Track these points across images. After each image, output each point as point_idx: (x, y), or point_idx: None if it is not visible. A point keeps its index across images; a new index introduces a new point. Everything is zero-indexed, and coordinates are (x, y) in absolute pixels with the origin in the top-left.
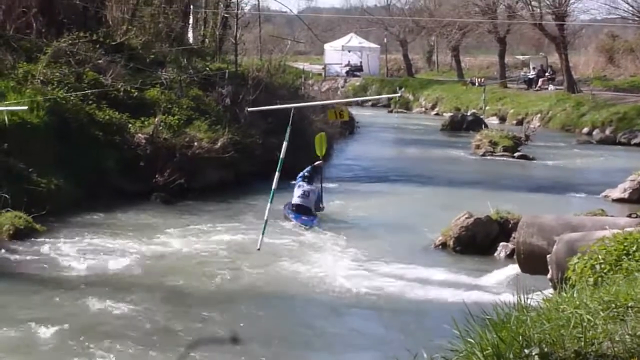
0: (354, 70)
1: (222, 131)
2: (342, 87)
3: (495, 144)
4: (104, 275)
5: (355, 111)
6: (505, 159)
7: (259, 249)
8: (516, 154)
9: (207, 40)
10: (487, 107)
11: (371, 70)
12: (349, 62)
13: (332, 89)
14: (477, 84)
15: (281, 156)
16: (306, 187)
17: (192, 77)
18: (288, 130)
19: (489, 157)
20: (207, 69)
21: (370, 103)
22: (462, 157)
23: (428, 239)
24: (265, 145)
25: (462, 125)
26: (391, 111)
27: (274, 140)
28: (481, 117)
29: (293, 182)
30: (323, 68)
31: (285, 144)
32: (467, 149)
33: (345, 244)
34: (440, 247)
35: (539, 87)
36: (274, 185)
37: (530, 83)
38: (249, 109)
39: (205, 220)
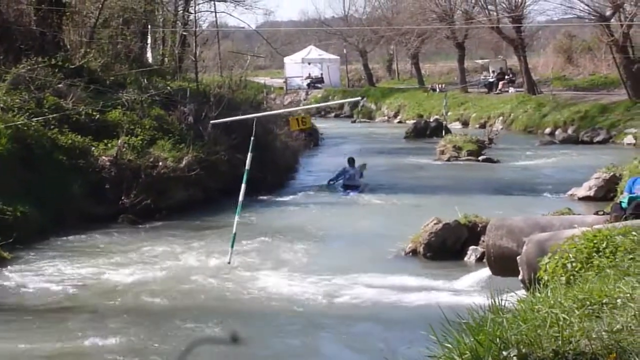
0: (315, 82)
1: (187, 149)
2: (304, 99)
3: (460, 149)
4: (74, 301)
5: (318, 123)
6: (470, 163)
7: (229, 263)
8: (481, 158)
9: (166, 59)
10: (449, 113)
11: (332, 81)
12: (309, 74)
13: (295, 102)
14: (438, 90)
15: (246, 167)
16: (351, 171)
17: (154, 96)
18: (252, 141)
19: (454, 162)
20: (168, 87)
21: (333, 114)
22: (427, 163)
23: (398, 247)
24: (230, 161)
25: (426, 131)
26: (354, 121)
27: (239, 155)
28: (444, 122)
29: (261, 197)
30: (284, 82)
31: (249, 155)
32: (432, 155)
33: (314, 256)
34: (410, 254)
35: (500, 90)
36: (240, 198)
37: (490, 87)
38: (213, 122)
39: (174, 240)
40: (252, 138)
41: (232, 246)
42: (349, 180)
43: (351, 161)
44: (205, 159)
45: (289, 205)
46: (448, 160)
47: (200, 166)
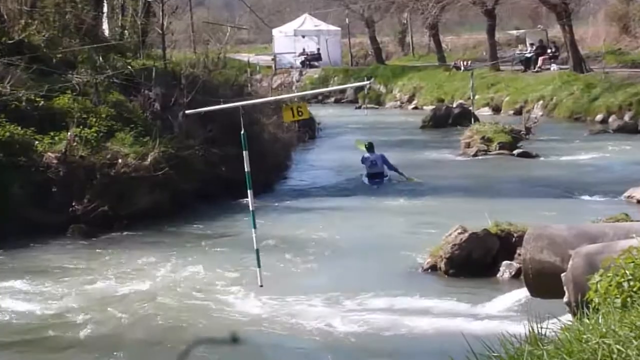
0: (311, 59)
1: (152, 144)
2: (298, 81)
3: (490, 141)
4: (10, 328)
5: (315, 110)
6: (502, 158)
7: (261, 286)
8: (516, 152)
9: (126, 32)
10: (476, 97)
11: (332, 58)
12: (303, 50)
13: (286, 84)
14: (462, 68)
15: (246, 169)
16: (372, 157)
17: (111, 78)
18: (243, 135)
19: (482, 157)
20: (129, 67)
21: (333, 99)
22: (449, 159)
23: (414, 261)
24: (207, 158)
25: (447, 120)
26: (359, 107)
27: (217, 151)
28: (470, 108)
29: (245, 201)
30: (273, 59)
31: (245, 154)
32: (455, 149)
33: (312, 275)
34: (429, 270)
35: (539, 67)
36: (251, 206)
37: (528, 63)
38: (188, 112)
39: (137, 255)
40: (242, 132)
41: (260, 265)
42: (372, 168)
43: (370, 147)
44: (176, 155)
45: (279, 212)
46: (475, 155)
47: (169, 164)
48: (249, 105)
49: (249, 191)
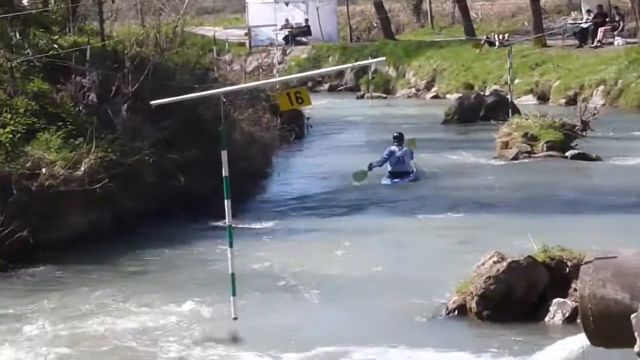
0: (297, 34)
1: (87, 147)
2: (281, 62)
3: (534, 139)
4: None
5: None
6: (551, 161)
7: (235, 318)
8: (569, 153)
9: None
10: (516, 81)
11: (325, 32)
12: (287, 21)
13: (264, 67)
14: (497, 43)
15: (224, 173)
16: (398, 152)
17: (32, 61)
18: (222, 130)
19: (524, 161)
20: (56, 46)
21: (327, 85)
22: (480, 164)
23: (436, 301)
24: (160, 165)
25: (478, 112)
26: (361, 96)
27: (175, 156)
28: (508, 97)
29: (213, 222)
30: (246, 34)
31: (224, 155)
32: (489, 150)
33: (305, 320)
34: (456, 313)
35: (599, 41)
36: (227, 220)
37: (584, 36)
38: (153, 102)
39: (69, 294)
40: (220, 127)
41: (234, 293)
42: (397, 166)
43: (399, 138)
44: (119, 162)
45: (257, 235)
46: (515, 158)
47: (109, 174)
48: (218, 95)
49: (226, 201)
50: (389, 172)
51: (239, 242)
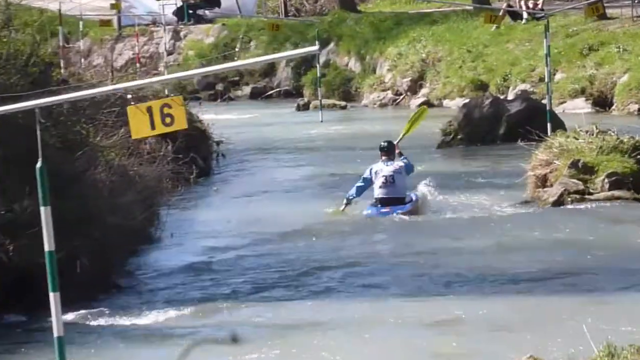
0: (197, 5)
1: None
2: (171, 51)
3: (590, 170)
4: None
5: (208, 115)
6: (617, 208)
7: None
8: None
9: None
10: (557, 76)
11: (242, 2)
12: None
13: (145, 59)
14: (525, 15)
15: (46, 247)
16: (386, 170)
17: None
18: (40, 170)
19: (575, 207)
20: None
21: (249, 90)
22: (502, 212)
23: None
24: None
25: (497, 128)
26: (306, 105)
27: None
28: (544, 101)
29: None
30: (114, 6)
31: (46, 212)
32: (516, 190)
33: None
34: None
35: None
36: (56, 331)
37: None
38: None
39: None
40: (38, 165)
41: None
42: (386, 189)
43: (387, 150)
44: None
45: (126, 346)
46: (559, 203)
47: None
48: (51, 105)
49: (51, 295)
50: (375, 198)
51: None
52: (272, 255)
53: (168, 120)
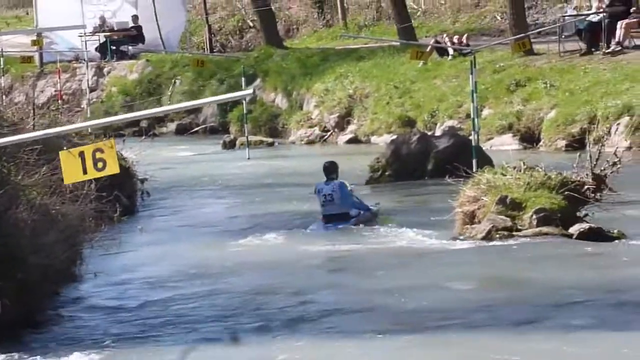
0: (121, 41)
1: None
2: (95, 87)
3: (518, 207)
4: None
5: (134, 152)
6: (545, 244)
7: None
8: (575, 229)
9: None
10: (485, 112)
11: (167, 37)
12: (103, 21)
13: (70, 96)
14: (451, 50)
15: None
16: (326, 188)
17: None
18: None
19: (502, 243)
20: None
21: (174, 127)
22: (431, 248)
23: None
24: None
25: (425, 164)
26: (232, 143)
27: None
28: (471, 138)
29: None
30: (35, 42)
31: None
32: (444, 227)
33: None
34: None
35: (619, 44)
36: None
37: (593, 36)
38: None
39: None
40: None
41: None
42: (328, 207)
43: (330, 170)
44: None
45: None
46: (487, 238)
47: None
48: None
49: None
50: (322, 215)
51: None
52: (198, 294)
53: (100, 165)
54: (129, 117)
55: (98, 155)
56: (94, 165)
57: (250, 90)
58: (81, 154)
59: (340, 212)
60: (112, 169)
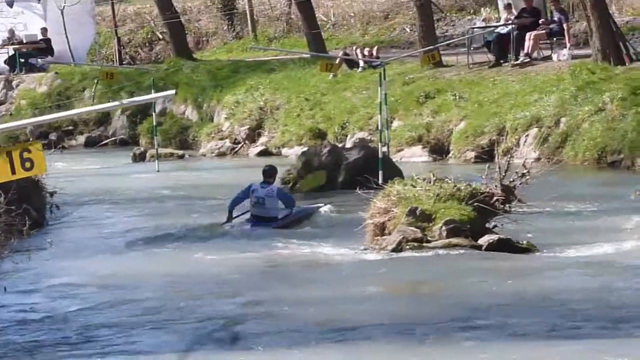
0: (30, 53)
1: None
2: (4, 100)
3: (428, 218)
4: None
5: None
6: (455, 256)
7: None
8: (484, 240)
9: None
10: (394, 124)
11: (76, 50)
12: (12, 34)
13: None
14: (361, 63)
15: None
16: (261, 192)
17: None
18: None
19: (412, 254)
20: None
21: (83, 140)
22: (341, 259)
23: None
24: None
25: (336, 177)
26: (142, 155)
27: None
28: (380, 148)
29: None
30: None
31: None
32: (355, 238)
33: None
34: None
35: (528, 55)
36: None
37: (502, 47)
38: None
39: None
40: None
41: None
42: (257, 208)
43: (268, 173)
44: None
45: None
46: (397, 249)
47: None
48: None
49: None
50: (251, 214)
51: None
52: (105, 304)
53: (28, 165)
54: (40, 120)
55: (26, 155)
56: (22, 165)
57: (173, 91)
58: (9, 154)
59: (268, 216)
60: (40, 168)
